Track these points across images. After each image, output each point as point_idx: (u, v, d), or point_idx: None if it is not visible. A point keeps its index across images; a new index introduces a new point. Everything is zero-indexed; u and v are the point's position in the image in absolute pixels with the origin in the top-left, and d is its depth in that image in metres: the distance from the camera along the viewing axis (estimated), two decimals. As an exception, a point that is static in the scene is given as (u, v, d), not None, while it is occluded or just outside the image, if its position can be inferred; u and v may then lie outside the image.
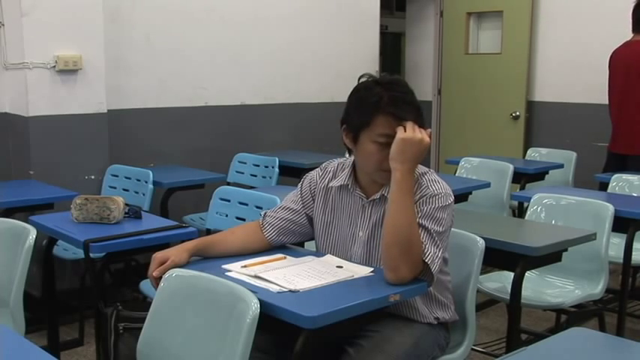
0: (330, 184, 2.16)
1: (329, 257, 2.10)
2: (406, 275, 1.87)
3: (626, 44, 4.36)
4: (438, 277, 2.01)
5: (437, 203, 1.97)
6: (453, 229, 2.10)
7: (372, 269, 1.97)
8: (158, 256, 2.01)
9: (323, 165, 2.23)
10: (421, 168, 2.06)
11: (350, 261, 2.09)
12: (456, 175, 4.36)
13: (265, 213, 2.24)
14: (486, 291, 2.88)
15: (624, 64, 4.34)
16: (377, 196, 2.06)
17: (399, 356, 1.93)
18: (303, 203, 2.21)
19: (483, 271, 2.47)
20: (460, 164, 4.47)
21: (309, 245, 2.40)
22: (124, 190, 3.84)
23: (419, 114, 2.00)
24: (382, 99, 1.96)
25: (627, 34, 4.39)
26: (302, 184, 2.23)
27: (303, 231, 2.22)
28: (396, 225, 1.89)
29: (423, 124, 2.00)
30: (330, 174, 2.19)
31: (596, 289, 2.92)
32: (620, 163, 4.36)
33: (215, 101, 4.72)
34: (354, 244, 2.10)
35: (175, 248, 2.07)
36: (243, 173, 4.49)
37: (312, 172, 2.25)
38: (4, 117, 3.94)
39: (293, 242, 2.27)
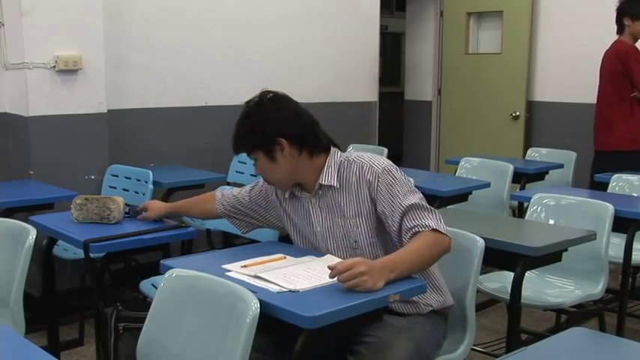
0: (285, 196, 2.26)
1: (329, 257, 2.10)
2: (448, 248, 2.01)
3: (611, 45, 4.44)
4: None
5: (396, 175, 2.06)
6: (452, 228, 2.14)
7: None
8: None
9: None
10: (355, 153, 2.16)
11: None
12: (456, 175, 4.36)
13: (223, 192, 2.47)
14: (486, 291, 2.88)
15: (603, 64, 4.46)
16: (316, 187, 2.15)
17: (400, 360, 1.93)
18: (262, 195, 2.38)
19: (483, 271, 2.47)
20: (460, 164, 4.46)
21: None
22: (124, 190, 3.84)
23: (234, 147, 2.17)
24: None
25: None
26: (262, 187, 2.36)
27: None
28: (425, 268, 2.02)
29: (244, 151, 2.15)
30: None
31: (596, 289, 2.92)
32: (602, 160, 4.44)
33: (215, 101, 4.71)
34: (317, 241, 2.18)
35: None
36: (243, 173, 4.49)
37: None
38: (4, 117, 3.94)
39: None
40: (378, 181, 2.05)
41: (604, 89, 4.45)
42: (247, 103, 2.18)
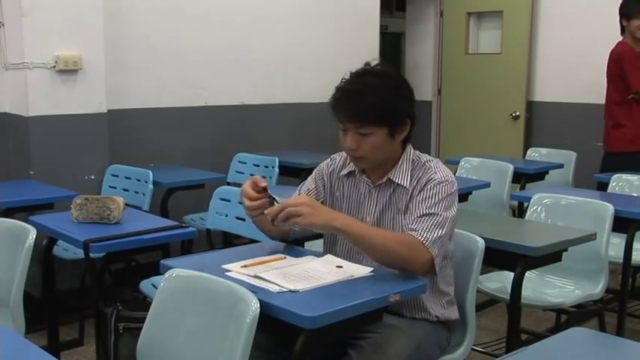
0: (340, 173, 2.18)
1: (329, 257, 2.10)
2: (418, 271, 1.93)
3: (614, 46, 4.46)
4: (442, 270, 2.03)
5: (445, 189, 2.00)
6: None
7: (371, 269, 1.97)
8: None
9: (333, 156, 2.26)
10: (427, 156, 2.10)
11: None
12: (456, 175, 4.35)
13: None
14: (486, 291, 2.88)
15: (607, 65, 4.45)
16: (383, 180, 2.09)
17: (400, 358, 1.93)
18: (317, 193, 2.23)
19: (483, 271, 2.47)
20: (460, 164, 4.47)
21: (309, 245, 2.40)
22: (124, 190, 3.83)
23: (356, 115, 1.97)
24: (334, 96, 2.03)
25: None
26: (314, 177, 2.24)
27: None
28: (376, 257, 1.94)
29: (365, 121, 1.96)
30: (340, 162, 2.21)
31: (596, 289, 2.92)
32: (609, 161, 4.45)
33: (215, 101, 4.72)
34: None
35: None
36: (243, 173, 4.49)
37: (322, 163, 2.27)
38: (4, 117, 3.94)
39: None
40: (430, 185, 2.00)
41: (608, 90, 4.45)
42: (369, 69, 2.04)
